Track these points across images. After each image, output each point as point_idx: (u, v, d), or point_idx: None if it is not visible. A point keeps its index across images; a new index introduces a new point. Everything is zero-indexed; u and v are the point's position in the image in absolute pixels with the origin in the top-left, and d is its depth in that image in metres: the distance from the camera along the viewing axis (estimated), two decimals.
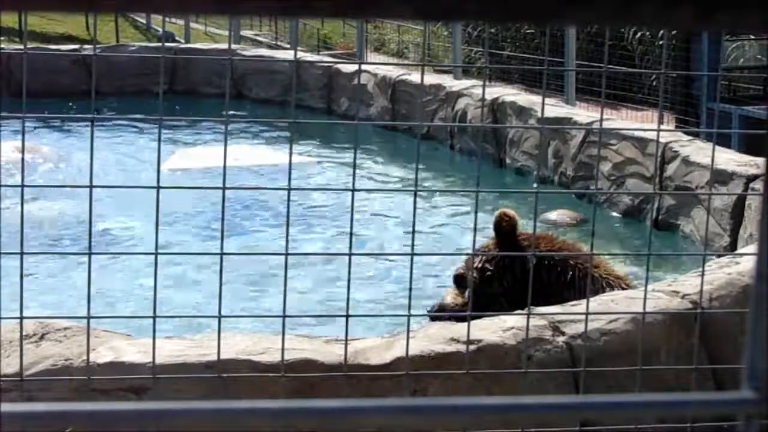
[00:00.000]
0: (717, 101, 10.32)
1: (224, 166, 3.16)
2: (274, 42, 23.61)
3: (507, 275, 5.08)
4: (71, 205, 8.06)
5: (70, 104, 11.17)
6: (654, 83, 15.67)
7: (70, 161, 9.90)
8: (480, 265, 5.13)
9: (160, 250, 3.15)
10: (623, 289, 4.85)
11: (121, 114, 10.97)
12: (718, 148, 6.22)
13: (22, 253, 3.11)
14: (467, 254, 5.27)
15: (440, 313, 5.03)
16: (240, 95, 13.13)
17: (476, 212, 3.54)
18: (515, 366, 3.59)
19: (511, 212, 5.19)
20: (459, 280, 5.27)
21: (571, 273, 4.99)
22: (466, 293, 5.06)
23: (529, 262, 4.48)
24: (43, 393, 3.34)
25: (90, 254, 3.17)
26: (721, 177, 7.21)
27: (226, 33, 23.07)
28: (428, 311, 5.27)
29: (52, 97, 11.28)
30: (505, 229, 5.14)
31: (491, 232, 5.39)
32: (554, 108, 9.76)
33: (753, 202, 7.00)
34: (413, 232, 3.52)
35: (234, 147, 9.23)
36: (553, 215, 8.31)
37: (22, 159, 3.37)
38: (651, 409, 0.91)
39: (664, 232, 7.91)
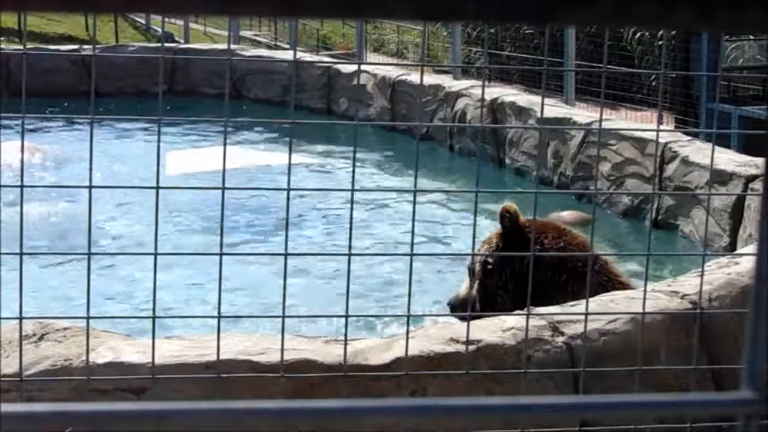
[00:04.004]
0: (716, 101, 10.32)
1: (224, 167, 3.16)
2: (273, 42, 23.61)
3: (506, 268, 5.13)
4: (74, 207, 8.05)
5: (66, 104, 11.15)
6: (653, 83, 15.67)
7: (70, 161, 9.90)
8: (483, 259, 5.20)
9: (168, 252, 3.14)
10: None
11: (120, 114, 10.96)
12: (717, 148, 6.23)
13: (21, 253, 3.11)
14: (466, 254, 5.28)
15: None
16: (239, 96, 13.13)
17: (476, 212, 3.53)
18: (515, 366, 3.58)
19: (512, 206, 5.22)
20: (472, 272, 5.37)
21: (566, 276, 4.99)
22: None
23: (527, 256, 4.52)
24: (43, 393, 3.33)
25: (90, 254, 3.16)
26: (720, 177, 7.21)
27: (226, 33, 23.05)
28: (448, 303, 5.36)
29: (51, 97, 11.27)
30: (506, 222, 5.17)
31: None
32: (554, 108, 9.76)
33: (752, 203, 7.00)
34: (412, 232, 3.52)
35: (232, 148, 9.22)
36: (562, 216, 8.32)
37: (22, 159, 3.37)
38: (651, 409, 0.90)
39: (664, 232, 7.91)
